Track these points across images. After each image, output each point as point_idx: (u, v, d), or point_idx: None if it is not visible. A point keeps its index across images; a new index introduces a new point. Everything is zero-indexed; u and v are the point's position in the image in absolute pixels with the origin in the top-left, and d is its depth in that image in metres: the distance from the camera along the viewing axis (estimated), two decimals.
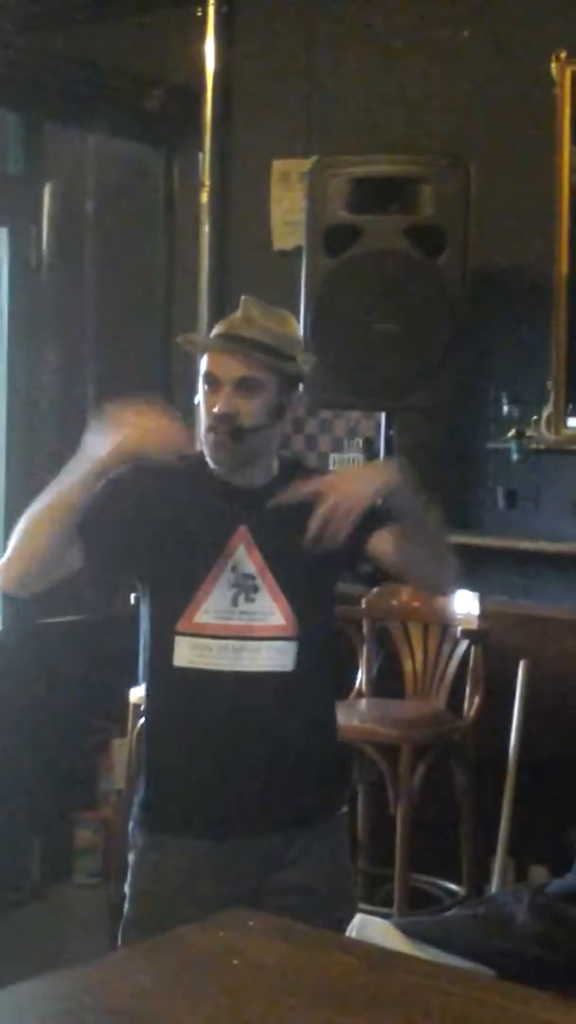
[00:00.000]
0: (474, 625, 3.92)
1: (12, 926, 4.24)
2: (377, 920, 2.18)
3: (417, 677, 4.08)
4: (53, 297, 4.68)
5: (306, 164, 4.15)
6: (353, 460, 4.36)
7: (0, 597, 4.51)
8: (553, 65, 3.97)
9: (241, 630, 2.53)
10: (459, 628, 3.94)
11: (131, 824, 2.66)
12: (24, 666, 4.47)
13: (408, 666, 4.09)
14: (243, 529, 2.55)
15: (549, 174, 4.00)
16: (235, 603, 2.53)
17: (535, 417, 4.09)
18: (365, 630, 4.13)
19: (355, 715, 3.86)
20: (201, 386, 2.56)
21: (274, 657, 2.54)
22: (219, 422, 2.51)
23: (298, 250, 4.10)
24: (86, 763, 4.67)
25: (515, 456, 4.09)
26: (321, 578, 2.63)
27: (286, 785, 2.57)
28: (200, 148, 4.66)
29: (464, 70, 4.22)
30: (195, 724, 2.56)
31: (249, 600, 2.54)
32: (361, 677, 4.11)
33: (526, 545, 4.04)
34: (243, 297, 2.61)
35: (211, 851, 2.54)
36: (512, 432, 4.10)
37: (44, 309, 4.63)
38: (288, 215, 4.45)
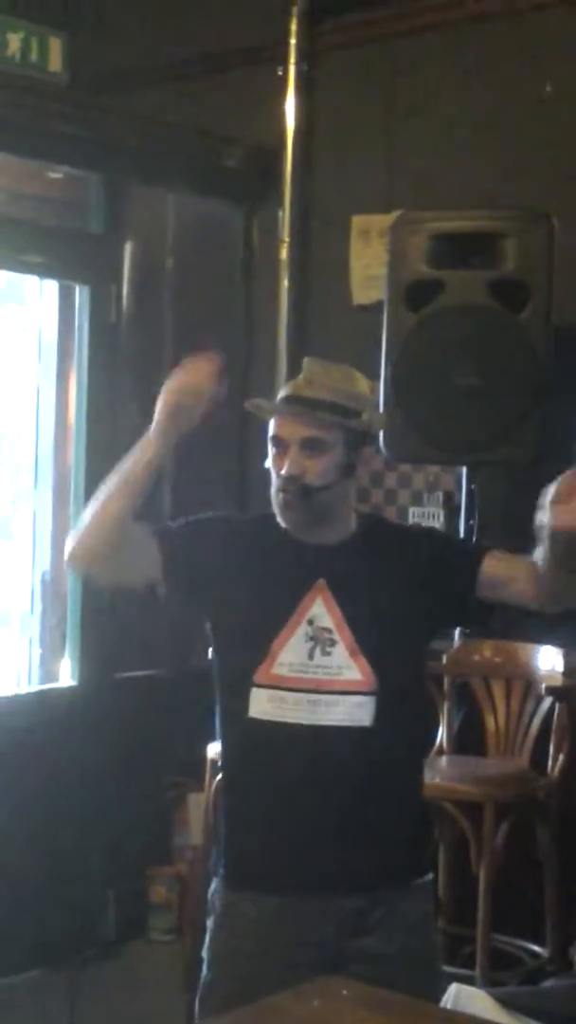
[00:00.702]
0: (558, 682, 3.86)
1: (87, 982, 4.22)
2: (473, 990, 2.14)
3: (500, 734, 4.02)
4: (132, 355, 4.70)
5: (386, 220, 4.16)
6: (433, 515, 4.33)
7: (79, 648, 4.55)
8: None
9: (317, 684, 2.52)
10: (543, 684, 3.88)
11: (212, 885, 2.64)
12: (100, 720, 4.47)
13: (491, 723, 4.04)
14: (321, 583, 2.55)
15: None
16: (311, 656, 2.53)
17: None
18: (446, 686, 4.08)
19: (437, 772, 3.81)
20: (270, 449, 2.59)
21: (351, 712, 2.52)
22: (287, 483, 2.54)
23: (378, 305, 4.10)
24: (162, 818, 4.65)
25: None
26: (405, 634, 2.61)
27: (365, 844, 2.53)
28: (280, 205, 4.69)
29: (546, 123, 4.21)
30: (272, 776, 2.55)
31: (326, 654, 2.53)
32: (442, 734, 4.06)
33: None
34: (306, 358, 2.65)
35: (289, 911, 2.50)
36: None
37: (123, 366, 4.65)
38: (368, 270, 4.46)
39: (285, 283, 4.69)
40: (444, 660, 4.07)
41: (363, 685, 2.52)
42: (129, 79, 4.94)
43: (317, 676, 2.52)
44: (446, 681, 4.08)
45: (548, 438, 3.89)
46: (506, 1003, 2.09)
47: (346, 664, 2.53)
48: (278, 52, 4.64)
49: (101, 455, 4.57)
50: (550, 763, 3.84)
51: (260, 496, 4.60)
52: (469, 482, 4.08)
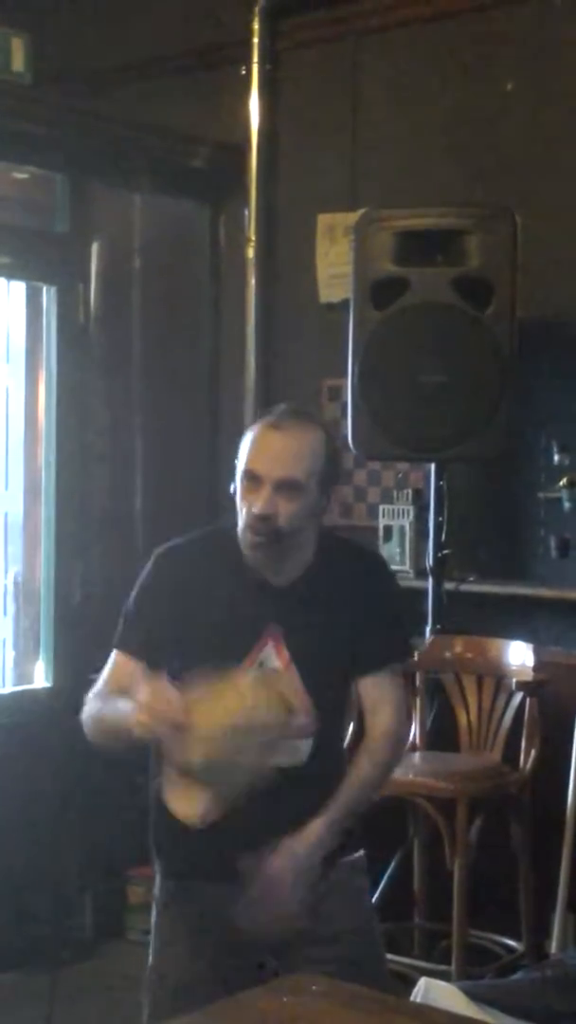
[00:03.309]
0: (529, 677, 3.88)
1: (65, 983, 4.21)
2: (442, 984, 2.15)
3: (472, 730, 4.04)
4: (100, 354, 4.71)
5: (351, 218, 4.17)
6: (403, 511, 4.35)
7: (52, 649, 4.55)
8: None
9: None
10: (514, 680, 3.90)
11: (156, 882, 2.69)
12: (75, 721, 4.44)
13: (463, 719, 4.05)
14: (272, 625, 2.53)
15: None
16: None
17: None
18: (418, 683, 4.10)
19: (410, 768, 3.82)
20: (240, 480, 2.52)
21: (290, 753, 2.50)
22: (257, 523, 2.48)
23: (345, 303, 4.12)
24: (139, 819, 4.63)
25: (567, 505, 4.08)
26: (341, 673, 2.60)
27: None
28: (246, 204, 4.69)
29: (509, 121, 4.23)
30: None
31: None
32: (415, 730, 4.07)
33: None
34: (281, 405, 2.60)
35: (228, 898, 2.49)
36: (564, 481, 4.08)
37: (92, 366, 4.65)
38: (334, 268, 4.47)
39: (252, 282, 4.70)
40: (416, 657, 4.08)
41: (304, 728, 2.50)
42: (93, 79, 4.94)
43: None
44: (418, 677, 4.10)
45: (514, 433, 3.92)
46: (474, 996, 2.11)
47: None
48: (241, 51, 4.64)
49: (71, 456, 4.58)
50: (522, 758, 3.86)
51: (228, 491, 4.63)
52: (438, 478, 4.10)
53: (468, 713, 4.05)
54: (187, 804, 2.41)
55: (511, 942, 3.90)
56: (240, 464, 2.52)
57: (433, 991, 2.14)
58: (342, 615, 2.56)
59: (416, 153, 4.40)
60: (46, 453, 4.57)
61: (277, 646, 2.53)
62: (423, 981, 2.17)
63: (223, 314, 4.87)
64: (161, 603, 2.56)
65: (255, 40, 4.62)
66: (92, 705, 2.56)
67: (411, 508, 4.33)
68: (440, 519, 4.11)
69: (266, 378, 4.71)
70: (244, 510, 2.50)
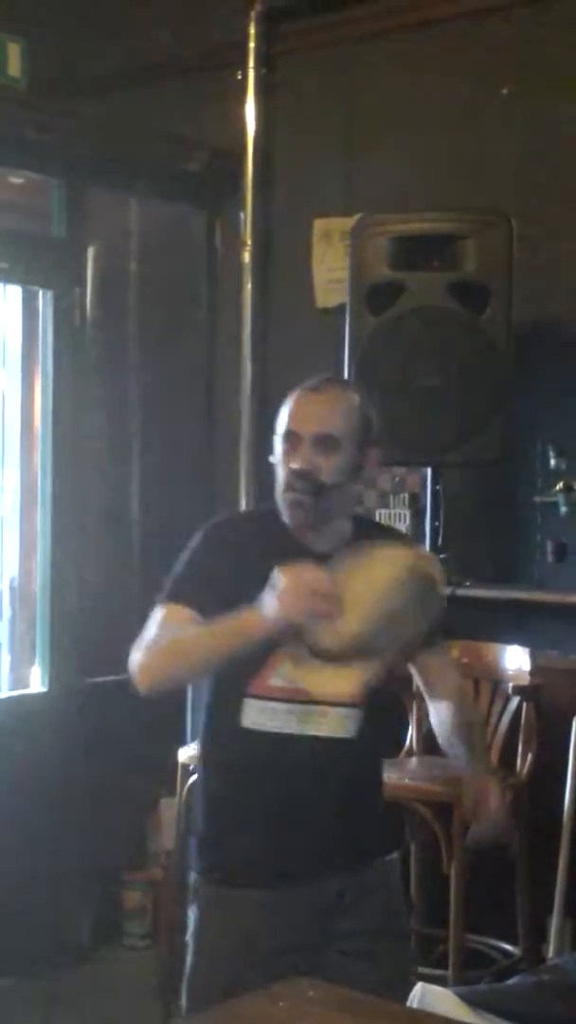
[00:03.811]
0: (525, 681, 3.88)
1: (61, 988, 4.22)
2: (439, 989, 2.15)
3: None
4: (97, 358, 4.71)
5: (348, 222, 4.17)
6: (399, 516, 4.35)
7: (48, 654, 4.54)
8: None
9: (308, 695, 2.54)
10: (510, 684, 3.90)
11: (193, 878, 2.66)
12: (71, 726, 4.47)
13: None
14: None
15: None
16: (303, 667, 2.53)
17: None
18: (415, 687, 4.09)
19: (406, 773, 3.83)
20: (280, 444, 2.55)
21: (339, 723, 2.55)
22: (298, 479, 2.51)
23: (341, 308, 4.12)
24: (135, 824, 4.65)
25: (563, 509, 4.08)
26: (387, 648, 2.62)
27: (342, 837, 2.59)
28: (242, 208, 4.70)
29: (504, 126, 4.24)
30: (259, 784, 2.57)
31: (316, 665, 2.54)
32: (412, 735, 4.07)
33: (575, 599, 4.01)
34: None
35: (273, 902, 2.55)
36: (560, 485, 4.08)
37: (88, 370, 4.65)
38: (330, 273, 4.48)
39: (248, 286, 4.70)
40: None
41: (351, 697, 2.55)
42: (88, 83, 4.94)
43: (308, 687, 2.54)
44: (415, 682, 4.08)
45: (511, 438, 3.92)
46: (471, 1001, 2.10)
47: (336, 675, 2.54)
48: (237, 56, 4.64)
49: (67, 460, 4.58)
50: (519, 762, 3.86)
51: (225, 494, 4.64)
52: (434, 482, 4.10)
53: None
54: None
55: (508, 946, 3.90)
56: (279, 429, 2.56)
57: (429, 996, 2.14)
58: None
59: (412, 158, 4.40)
60: (42, 457, 4.57)
61: None
62: (419, 986, 2.17)
63: (219, 319, 4.87)
64: (213, 562, 2.56)
65: (251, 45, 4.63)
66: (154, 644, 2.51)
67: (407, 512, 4.34)
68: (436, 523, 4.11)
69: (262, 382, 4.71)
70: (283, 470, 2.54)
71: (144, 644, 2.52)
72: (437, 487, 4.10)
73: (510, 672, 3.93)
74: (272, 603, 2.38)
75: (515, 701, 3.90)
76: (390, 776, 3.77)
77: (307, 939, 2.53)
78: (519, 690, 3.87)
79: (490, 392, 3.85)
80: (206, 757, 2.66)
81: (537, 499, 4.16)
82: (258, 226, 4.69)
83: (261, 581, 2.46)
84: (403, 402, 3.87)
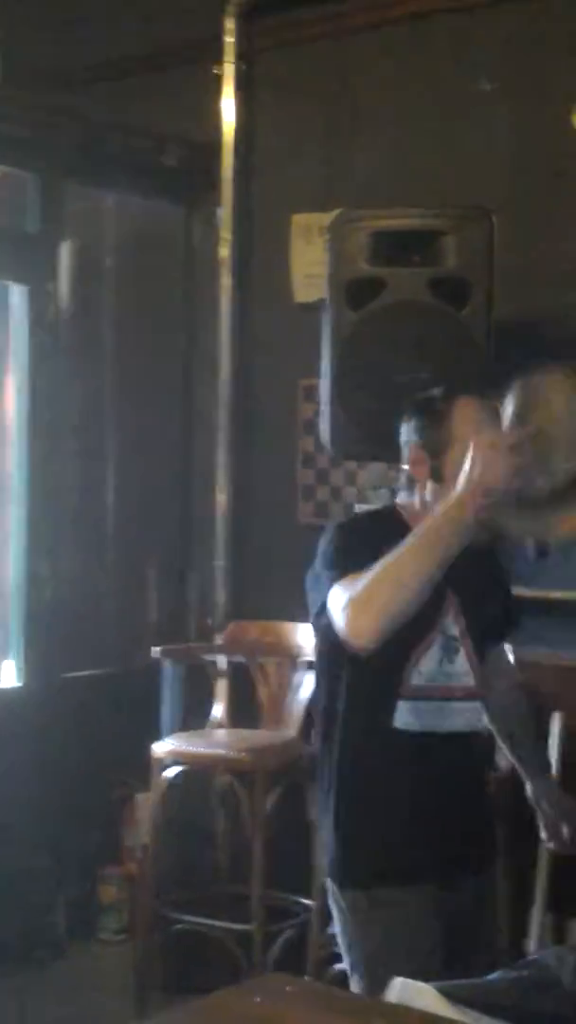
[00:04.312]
0: None
1: (37, 983, 4.20)
2: (419, 984, 2.14)
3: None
4: (72, 353, 4.69)
5: (326, 218, 4.15)
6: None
7: (22, 649, 4.52)
8: (575, 117, 3.99)
9: (444, 691, 2.63)
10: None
11: (338, 890, 2.68)
12: (46, 721, 4.45)
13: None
14: (451, 594, 2.62)
15: (573, 224, 4.00)
16: (440, 665, 2.63)
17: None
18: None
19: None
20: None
21: (473, 716, 2.70)
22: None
23: (320, 303, 4.10)
24: (110, 819, 4.63)
25: None
26: (491, 643, 2.79)
27: (476, 830, 2.74)
28: (219, 203, 4.68)
29: (485, 122, 4.23)
30: (410, 780, 2.64)
31: (450, 662, 2.64)
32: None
33: (558, 595, 4.02)
34: None
35: (429, 895, 2.63)
36: None
37: (63, 365, 4.63)
38: (309, 268, 4.46)
39: (225, 281, 4.69)
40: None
41: (479, 691, 2.69)
42: (64, 77, 4.91)
43: (447, 683, 2.64)
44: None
45: None
46: (451, 996, 2.09)
47: (466, 671, 2.66)
48: (215, 50, 4.63)
49: (42, 455, 4.56)
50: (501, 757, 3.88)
51: (202, 489, 4.62)
52: None
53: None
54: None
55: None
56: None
57: (408, 991, 2.13)
58: (491, 588, 2.75)
59: (391, 153, 4.40)
60: (17, 452, 4.55)
61: (455, 611, 2.64)
62: (398, 981, 2.16)
63: (196, 314, 4.85)
64: (357, 546, 2.56)
65: (230, 39, 4.61)
66: (355, 596, 2.44)
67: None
68: None
69: (240, 378, 4.70)
70: None
71: (342, 607, 2.46)
72: None
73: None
74: (469, 480, 2.38)
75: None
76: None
77: (456, 923, 2.64)
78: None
79: (471, 387, 3.82)
80: (355, 762, 2.66)
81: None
82: (236, 221, 4.67)
83: None
84: (383, 397, 3.85)
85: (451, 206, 3.93)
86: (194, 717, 4.34)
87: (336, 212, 4.05)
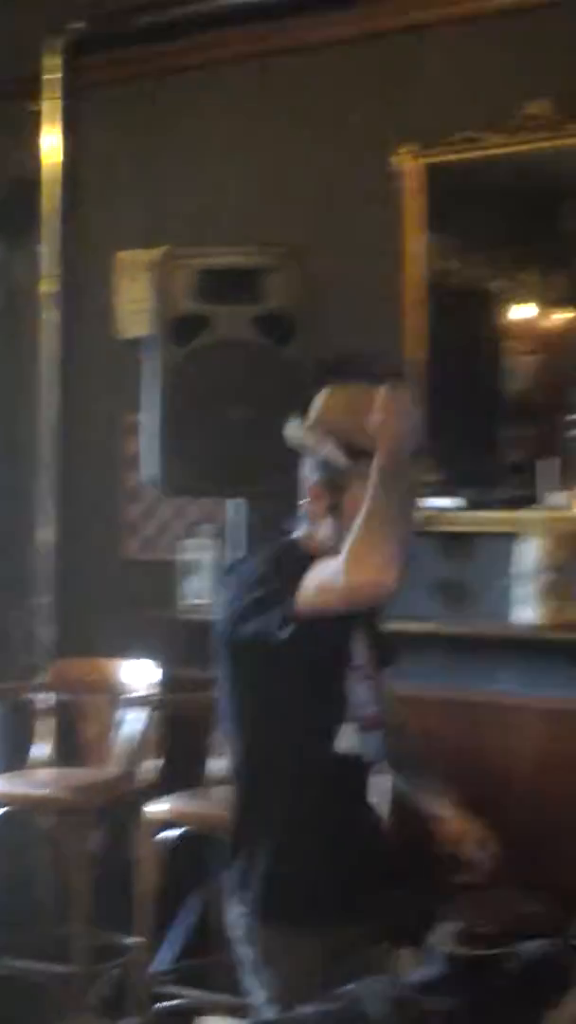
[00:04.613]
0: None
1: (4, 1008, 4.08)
2: (227, 1021, 2.11)
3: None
4: None
5: (151, 255, 4.18)
6: (207, 545, 4.36)
7: None
8: (397, 158, 4.10)
9: (364, 717, 2.59)
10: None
11: (254, 917, 2.58)
12: None
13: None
14: (352, 633, 2.61)
15: (394, 263, 4.11)
16: (357, 691, 2.60)
17: None
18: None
19: (211, 803, 3.88)
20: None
21: (379, 744, 2.63)
22: None
23: (145, 339, 4.11)
24: None
25: None
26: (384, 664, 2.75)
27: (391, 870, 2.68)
28: (42, 240, 4.65)
29: (308, 161, 4.31)
30: (350, 810, 2.62)
31: (362, 688, 2.61)
32: (216, 764, 4.09)
33: (393, 626, 4.07)
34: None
35: (339, 939, 2.54)
36: None
37: None
38: (135, 305, 4.47)
39: (48, 317, 4.66)
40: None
41: (383, 718, 2.64)
42: None
43: (366, 711, 2.59)
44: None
45: None
46: None
47: (372, 698, 2.61)
48: (39, 86, 4.61)
49: None
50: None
51: (26, 527, 4.57)
52: (241, 513, 4.13)
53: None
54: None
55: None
56: (364, 492, 2.47)
57: None
58: (381, 613, 2.71)
59: (215, 191, 4.44)
60: None
61: (361, 640, 2.61)
62: (198, 1021, 2.12)
63: (20, 350, 4.80)
64: (302, 560, 2.49)
65: (55, 75, 4.60)
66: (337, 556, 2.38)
67: (214, 542, 4.35)
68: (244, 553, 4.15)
69: (65, 413, 4.67)
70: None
71: (342, 569, 2.35)
72: (243, 518, 4.13)
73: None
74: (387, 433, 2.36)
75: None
76: (194, 805, 3.87)
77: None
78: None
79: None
80: (294, 787, 2.57)
81: None
82: (59, 258, 4.65)
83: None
84: (211, 433, 3.89)
85: (274, 244, 4.00)
86: (17, 756, 4.28)
87: (161, 250, 4.09)
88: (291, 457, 3.85)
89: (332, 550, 2.44)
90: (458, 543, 4.08)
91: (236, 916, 2.61)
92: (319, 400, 2.61)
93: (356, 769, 2.62)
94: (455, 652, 3.87)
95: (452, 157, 4.03)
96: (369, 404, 2.42)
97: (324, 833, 2.57)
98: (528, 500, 3.89)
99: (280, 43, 4.32)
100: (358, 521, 2.36)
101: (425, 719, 3.96)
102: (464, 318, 4.22)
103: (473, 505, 4.06)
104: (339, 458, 2.49)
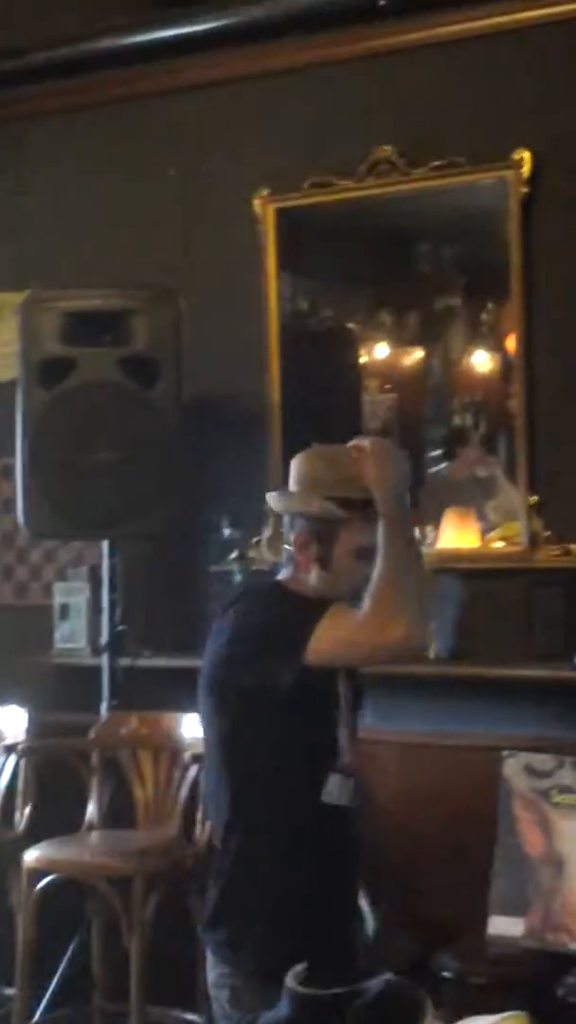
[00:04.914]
0: (202, 749, 3.92)
1: None
2: None
3: (149, 805, 4.05)
4: None
5: (17, 298, 4.17)
6: (78, 589, 4.34)
7: None
8: (256, 203, 4.14)
9: (347, 766, 2.55)
10: (188, 753, 3.93)
11: (228, 981, 2.52)
12: None
13: (140, 795, 4.06)
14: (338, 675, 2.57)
15: (258, 306, 4.14)
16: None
17: (256, 539, 4.18)
18: (94, 761, 4.09)
19: (86, 850, 3.81)
20: (354, 555, 2.52)
21: (356, 792, 2.58)
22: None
23: (13, 382, 4.10)
24: None
25: (238, 578, 4.15)
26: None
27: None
28: None
29: (172, 205, 4.34)
30: (329, 859, 2.55)
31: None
32: (92, 809, 4.06)
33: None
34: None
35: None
36: (234, 554, 4.17)
37: None
38: (3, 348, 4.45)
39: None
40: (92, 734, 4.09)
41: (359, 764, 2.60)
42: None
43: (344, 758, 2.54)
44: (94, 756, 4.09)
45: (185, 509, 3.99)
46: None
47: (347, 746, 2.57)
48: None
49: None
50: (198, 830, 3.89)
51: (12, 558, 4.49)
52: (111, 555, 4.13)
53: (145, 789, 4.06)
54: None
55: (191, 1016, 3.90)
56: (356, 539, 2.51)
57: None
58: None
59: (81, 235, 4.45)
60: None
61: (344, 683, 2.56)
62: None
63: None
64: (309, 602, 2.51)
65: None
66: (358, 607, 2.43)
67: (87, 585, 4.33)
68: (114, 596, 4.15)
69: None
70: (356, 580, 2.49)
71: (366, 624, 2.40)
72: (114, 560, 4.13)
73: (188, 741, 3.96)
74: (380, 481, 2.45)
75: (194, 769, 3.93)
76: (69, 851, 3.81)
77: None
78: (197, 758, 3.90)
79: (163, 465, 3.91)
80: (292, 841, 2.52)
81: (212, 569, 4.23)
82: None
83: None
84: (77, 476, 3.89)
85: (140, 287, 4.02)
86: None
87: (27, 292, 4.09)
88: (156, 499, 3.90)
89: (325, 596, 2.49)
90: None
91: (220, 976, 2.55)
92: (299, 464, 2.61)
93: (348, 820, 2.57)
94: None
95: (303, 201, 4.09)
96: (349, 458, 2.51)
97: (324, 889, 2.52)
98: None
99: (143, 88, 4.36)
100: (378, 575, 2.40)
101: None
102: (323, 358, 4.28)
103: None
104: (334, 511, 2.52)
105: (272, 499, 2.69)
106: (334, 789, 2.52)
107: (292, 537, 2.56)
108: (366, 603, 2.41)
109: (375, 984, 2.17)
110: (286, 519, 2.62)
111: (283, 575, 2.60)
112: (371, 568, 2.45)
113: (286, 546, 2.60)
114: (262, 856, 2.53)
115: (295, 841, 2.53)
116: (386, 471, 2.48)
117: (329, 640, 2.42)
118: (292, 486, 2.60)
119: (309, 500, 2.53)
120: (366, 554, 2.48)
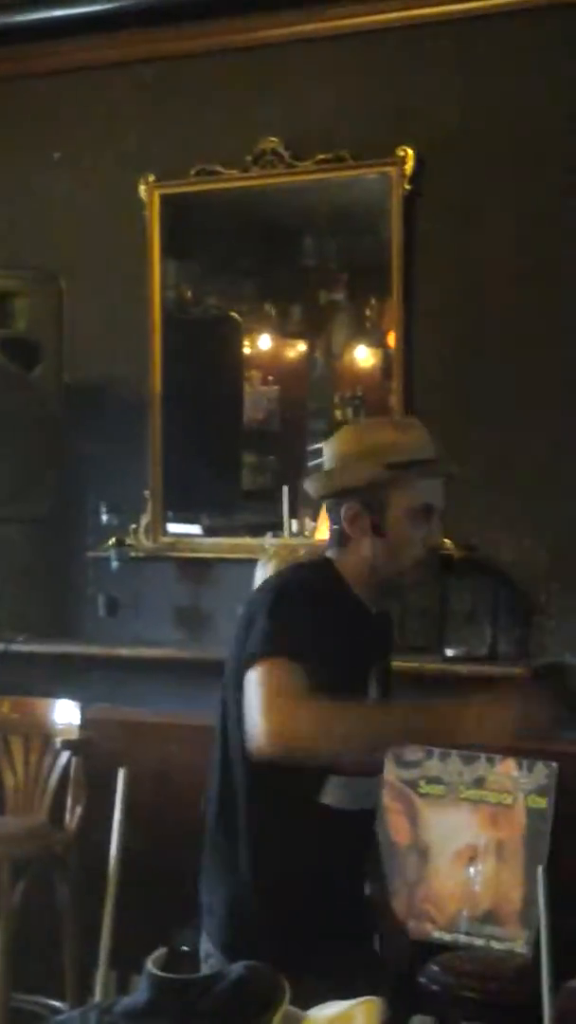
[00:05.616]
0: (74, 735, 3.91)
1: None
2: None
3: (19, 791, 4.02)
4: None
5: None
6: None
7: None
8: (141, 188, 4.13)
9: (363, 765, 2.45)
10: (59, 739, 3.91)
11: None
12: None
13: (9, 780, 4.04)
14: (372, 656, 2.50)
15: (141, 291, 4.14)
16: None
17: (134, 525, 4.18)
18: None
19: None
20: (409, 515, 2.41)
21: (375, 792, 2.53)
22: (433, 554, 2.44)
23: None
24: None
25: (115, 564, 4.15)
26: None
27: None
28: None
29: (56, 189, 4.31)
30: (332, 860, 2.45)
31: None
32: None
33: (126, 652, 4.08)
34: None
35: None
36: (112, 540, 4.16)
37: None
38: None
39: None
40: None
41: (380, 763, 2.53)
42: None
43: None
44: None
45: (62, 494, 3.97)
46: None
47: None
48: None
49: None
50: (67, 816, 3.88)
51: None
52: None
53: (15, 774, 4.04)
54: None
55: (57, 1003, 3.89)
56: (406, 500, 2.42)
57: None
58: (389, 655, 2.58)
59: None
60: None
61: (374, 684, 2.49)
62: None
63: None
64: (311, 620, 2.34)
65: None
66: (313, 712, 2.23)
67: None
68: None
69: None
70: (414, 545, 2.41)
71: (268, 706, 2.22)
72: None
73: (60, 726, 3.95)
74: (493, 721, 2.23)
75: (65, 755, 3.92)
76: None
77: None
78: (68, 744, 3.90)
79: (41, 448, 3.88)
80: (273, 842, 2.42)
81: (90, 554, 4.22)
82: None
83: (343, 639, 2.36)
84: None
85: (21, 268, 3.99)
86: None
87: None
88: (35, 482, 3.88)
89: (375, 567, 2.41)
90: (197, 569, 4.13)
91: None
92: (335, 444, 2.51)
93: (366, 821, 2.53)
94: (191, 677, 3.89)
95: (189, 189, 4.09)
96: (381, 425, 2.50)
97: (319, 882, 2.44)
98: (274, 527, 3.96)
99: (29, 68, 4.32)
100: (353, 715, 2.28)
101: (164, 744, 4.01)
102: (206, 346, 4.29)
103: (212, 532, 4.11)
104: (381, 474, 2.41)
105: (310, 484, 2.57)
106: (333, 791, 2.43)
107: (341, 513, 2.45)
108: (311, 706, 2.24)
109: (234, 969, 2.19)
110: (327, 503, 2.52)
111: (330, 553, 2.50)
112: (426, 530, 2.42)
113: (334, 526, 2.49)
114: (281, 851, 2.44)
115: (295, 841, 2.44)
116: (537, 717, 2.31)
117: (264, 674, 2.26)
118: (329, 464, 2.52)
119: (352, 471, 2.46)
120: (421, 515, 2.42)
